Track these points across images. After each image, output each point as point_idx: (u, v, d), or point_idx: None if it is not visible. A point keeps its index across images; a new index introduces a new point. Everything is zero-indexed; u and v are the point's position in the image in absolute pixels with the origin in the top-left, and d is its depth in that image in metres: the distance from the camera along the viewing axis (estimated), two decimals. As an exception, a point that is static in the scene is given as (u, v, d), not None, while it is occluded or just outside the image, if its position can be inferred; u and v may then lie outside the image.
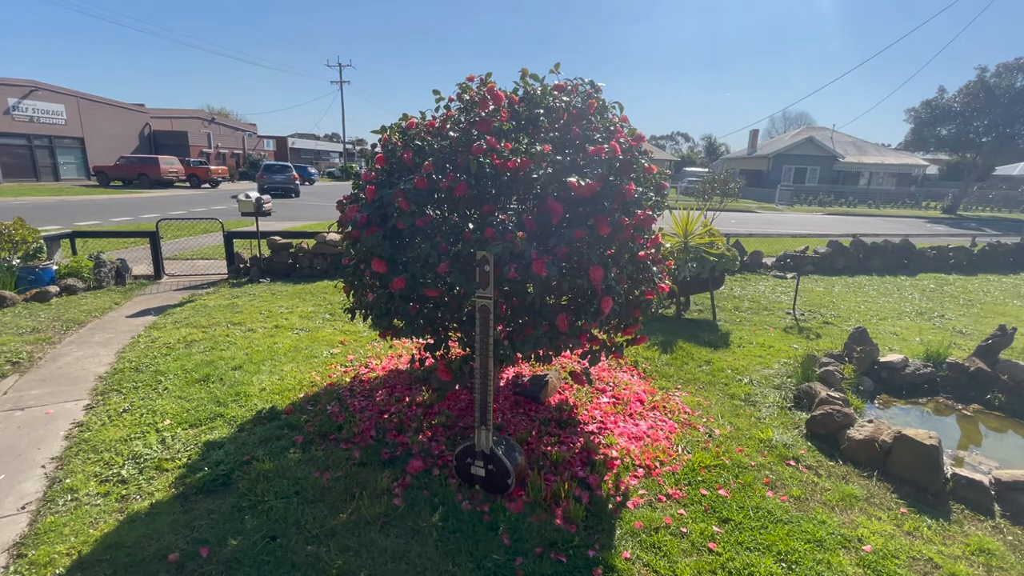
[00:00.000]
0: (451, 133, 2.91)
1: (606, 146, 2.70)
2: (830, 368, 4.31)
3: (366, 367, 4.43)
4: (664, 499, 2.81)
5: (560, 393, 4.01)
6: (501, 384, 4.03)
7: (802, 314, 6.64)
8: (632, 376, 4.47)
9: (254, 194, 7.60)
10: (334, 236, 7.81)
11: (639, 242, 2.93)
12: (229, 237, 7.80)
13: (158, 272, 7.63)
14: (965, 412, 4.13)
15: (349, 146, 59.47)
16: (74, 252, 8.16)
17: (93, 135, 31.52)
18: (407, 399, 3.78)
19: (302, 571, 2.24)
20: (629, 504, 2.75)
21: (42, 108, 28.62)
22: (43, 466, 2.98)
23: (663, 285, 3.14)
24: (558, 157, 2.70)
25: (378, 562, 2.30)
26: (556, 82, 3.03)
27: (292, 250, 8.05)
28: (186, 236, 11.06)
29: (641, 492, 2.86)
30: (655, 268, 3.06)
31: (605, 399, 3.96)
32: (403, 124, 3.15)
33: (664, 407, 3.87)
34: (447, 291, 3.03)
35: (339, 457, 3.04)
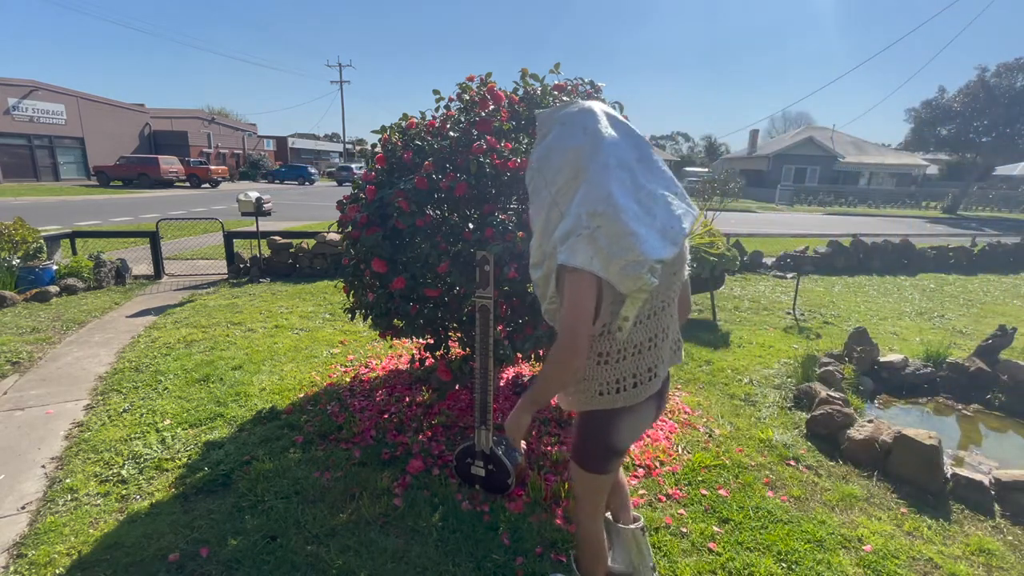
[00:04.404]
0: (451, 133, 2.90)
1: (606, 146, 2.69)
2: (830, 368, 4.31)
3: (366, 367, 4.43)
4: (664, 499, 2.81)
5: (560, 393, 4.00)
6: (501, 384, 4.03)
7: (802, 314, 6.64)
8: (632, 376, 4.46)
9: (254, 194, 7.60)
10: (334, 236, 7.81)
11: (639, 242, 2.93)
12: (229, 237, 7.80)
13: (158, 272, 7.64)
14: (965, 412, 4.13)
15: (349, 146, 59.45)
16: (74, 252, 8.17)
17: (93, 135, 31.54)
18: (407, 399, 3.78)
19: (302, 571, 2.24)
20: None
21: (42, 108, 28.63)
22: (43, 466, 2.98)
23: (663, 285, 3.13)
24: (558, 157, 2.69)
25: (378, 562, 2.30)
26: (556, 82, 3.03)
27: (292, 250, 8.05)
28: (186, 236, 11.07)
29: (641, 492, 2.86)
30: (655, 268, 3.05)
31: (605, 399, 3.95)
32: (403, 124, 3.15)
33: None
34: (447, 291, 3.03)
35: (339, 457, 3.04)
